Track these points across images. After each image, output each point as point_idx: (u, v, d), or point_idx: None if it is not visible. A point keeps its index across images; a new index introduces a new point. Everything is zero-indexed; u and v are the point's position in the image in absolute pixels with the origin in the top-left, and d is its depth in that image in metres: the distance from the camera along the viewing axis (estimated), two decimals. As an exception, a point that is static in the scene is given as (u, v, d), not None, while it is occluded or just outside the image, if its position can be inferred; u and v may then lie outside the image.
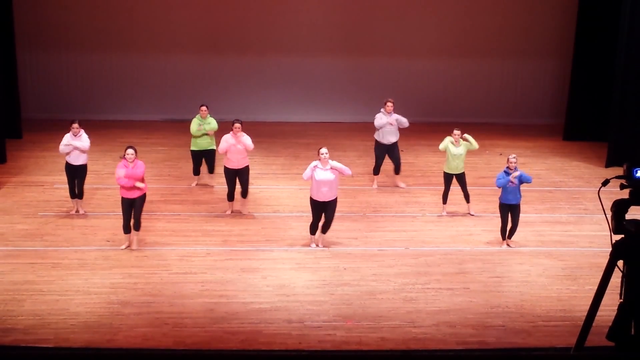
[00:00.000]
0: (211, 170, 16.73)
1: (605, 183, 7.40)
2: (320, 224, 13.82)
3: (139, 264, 13.04)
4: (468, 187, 15.41)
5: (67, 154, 14.85)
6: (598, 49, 20.26)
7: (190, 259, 13.28)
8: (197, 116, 16.35)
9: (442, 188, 15.41)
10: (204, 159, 16.56)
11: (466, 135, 15.20)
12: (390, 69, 22.28)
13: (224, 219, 15.05)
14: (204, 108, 16.41)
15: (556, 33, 22.10)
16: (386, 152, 16.70)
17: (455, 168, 15.21)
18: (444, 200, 15.38)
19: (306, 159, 18.42)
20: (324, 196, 13.57)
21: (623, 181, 7.22)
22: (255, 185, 16.42)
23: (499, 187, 13.83)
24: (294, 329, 11.09)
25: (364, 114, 21.71)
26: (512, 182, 13.65)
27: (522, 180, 13.77)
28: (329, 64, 22.23)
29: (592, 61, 20.44)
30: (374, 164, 16.90)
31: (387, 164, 16.88)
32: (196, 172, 16.70)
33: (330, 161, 13.59)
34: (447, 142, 15.23)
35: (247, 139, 15.03)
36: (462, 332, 11.11)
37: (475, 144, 15.19)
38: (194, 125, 16.32)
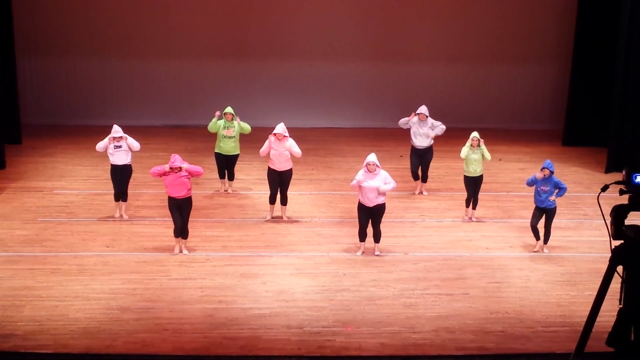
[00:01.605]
0: (230, 177, 16.72)
1: (605, 188, 7.39)
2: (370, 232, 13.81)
3: (138, 269, 13.03)
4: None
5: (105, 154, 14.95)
6: (597, 54, 20.30)
7: (190, 264, 13.27)
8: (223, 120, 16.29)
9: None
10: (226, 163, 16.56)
11: (482, 145, 15.17)
12: (390, 75, 22.31)
13: (223, 224, 15.04)
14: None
15: (555, 39, 22.14)
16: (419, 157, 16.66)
17: (473, 171, 15.22)
18: (467, 204, 15.38)
19: (305, 164, 18.48)
20: (370, 201, 13.54)
21: (622, 187, 7.21)
22: (255, 191, 16.43)
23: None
24: (294, 334, 11.08)
25: (364, 120, 21.78)
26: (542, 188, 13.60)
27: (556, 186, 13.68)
28: (328, 69, 22.26)
29: (591, 67, 20.47)
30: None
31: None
32: (221, 175, 16.69)
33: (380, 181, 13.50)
34: (467, 147, 15.25)
35: (293, 145, 15.04)
36: (462, 337, 11.10)
37: (487, 156, 15.17)
38: (216, 126, 16.27)
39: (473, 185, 15.24)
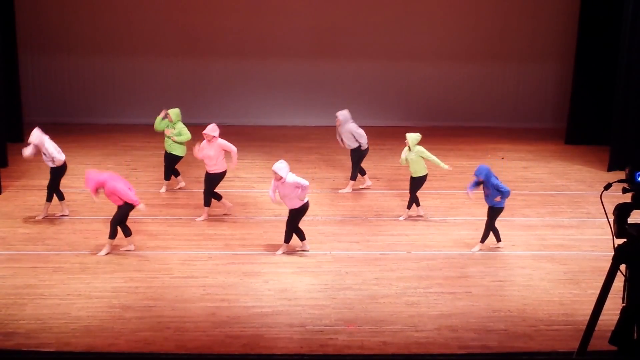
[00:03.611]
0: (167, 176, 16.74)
1: (608, 187, 7.38)
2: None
3: (140, 268, 13.04)
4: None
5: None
6: (600, 52, 20.27)
7: (192, 263, 13.28)
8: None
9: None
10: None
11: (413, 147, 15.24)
12: (391, 73, 22.29)
13: (225, 222, 15.04)
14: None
15: (558, 37, 22.11)
16: None
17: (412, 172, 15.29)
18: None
19: (308, 162, 18.49)
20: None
21: (625, 185, 7.21)
22: (257, 190, 16.42)
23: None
24: (296, 333, 11.07)
25: (366, 118, 21.72)
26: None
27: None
28: (330, 67, 22.24)
29: (594, 65, 20.44)
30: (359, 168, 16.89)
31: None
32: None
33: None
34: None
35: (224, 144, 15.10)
36: (464, 336, 11.09)
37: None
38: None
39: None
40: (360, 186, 17.01)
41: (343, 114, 16.75)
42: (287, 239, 13.69)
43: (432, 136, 19.34)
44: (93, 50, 21.71)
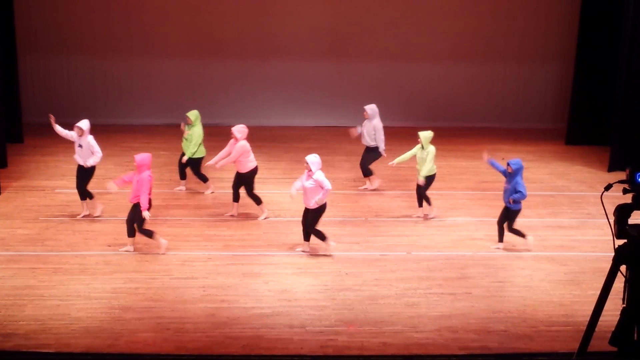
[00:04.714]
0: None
1: (608, 187, 7.37)
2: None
3: (140, 268, 13.02)
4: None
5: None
6: (600, 53, 20.27)
7: (192, 263, 13.26)
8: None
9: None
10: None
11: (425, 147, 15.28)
12: (392, 73, 22.29)
13: (225, 223, 15.03)
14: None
15: (559, 37, 22.11)
16: None
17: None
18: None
19: (308, 163, 18.44)
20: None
21: (626, 186, 7.20)
22: (256, 190, 16.38)
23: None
24: (296, 334, 11.05)
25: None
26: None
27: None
28: (330, 68, 22.24)
29: (594, 65, 20.44)
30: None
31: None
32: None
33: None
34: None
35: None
36: (464, 337, 11.08)
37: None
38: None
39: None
40: (361, 187, 16.99)
41: (371, 108, 16.73)
42: (320, 237, 13.62)
43: (433, 136, 19.30)
44: (92, 50, 21.71)
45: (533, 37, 22.21)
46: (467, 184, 17.15)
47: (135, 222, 13.38)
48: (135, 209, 13.37)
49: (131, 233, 13.53)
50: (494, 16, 22.15)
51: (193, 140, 16.23)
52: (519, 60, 22.39)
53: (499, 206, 14.53)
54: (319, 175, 13.30)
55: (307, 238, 13.71)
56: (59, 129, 14.95)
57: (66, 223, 14.85)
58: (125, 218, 13.60)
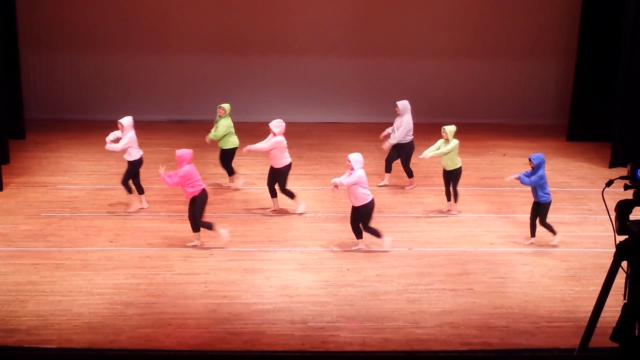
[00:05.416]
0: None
1: (609, 184, 7.39)
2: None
3: (142, 264, 13.04)
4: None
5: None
6: (602, 49, 20.23)
7: (193, 259, 13.28)
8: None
9: (444, 188, 15.43)
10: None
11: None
12: (394, 70, 22.26)
13: (227, 219, 15.04)
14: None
15: (560, 33, 22.07)
16: None
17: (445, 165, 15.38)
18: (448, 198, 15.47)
19: (309, 159, 18.47)
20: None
21: (627, 182, 7.22)
22: (258, 186, 16.41)
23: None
24: (297, 329, 11.08)
25: (368, 115, 21.73)
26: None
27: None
28: (332, 64, 22.22)
29: (595, 61, 20.40)
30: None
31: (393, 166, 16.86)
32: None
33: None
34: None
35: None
36: (466, 332, 11.10)
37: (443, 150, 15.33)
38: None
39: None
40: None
41: (403, 104, 16.67)
42: (374, 234, 13.65)
43: (434, 133, 19.28)
44: (94, 47, 21.69)
45: (534, 34, 22.17)
46: (469, 180, 17.14)
47: (195, 216, 13.55)
48: (193, 204, 13.51)
49: (195, 228, 13.60)
50: (495, 13, 22.12)
51: (219, 129, 16.22)
52: (520, 56, 22.35)
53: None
54: (356, 176, 13.37)
55: (359, 236, 13.70)
56: (110, 146, 15.21)
57: (68, 219, 14.86)
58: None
